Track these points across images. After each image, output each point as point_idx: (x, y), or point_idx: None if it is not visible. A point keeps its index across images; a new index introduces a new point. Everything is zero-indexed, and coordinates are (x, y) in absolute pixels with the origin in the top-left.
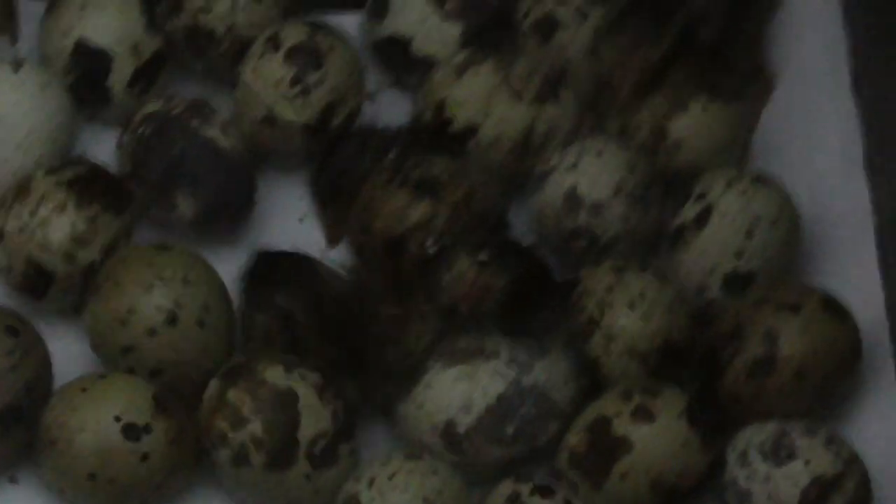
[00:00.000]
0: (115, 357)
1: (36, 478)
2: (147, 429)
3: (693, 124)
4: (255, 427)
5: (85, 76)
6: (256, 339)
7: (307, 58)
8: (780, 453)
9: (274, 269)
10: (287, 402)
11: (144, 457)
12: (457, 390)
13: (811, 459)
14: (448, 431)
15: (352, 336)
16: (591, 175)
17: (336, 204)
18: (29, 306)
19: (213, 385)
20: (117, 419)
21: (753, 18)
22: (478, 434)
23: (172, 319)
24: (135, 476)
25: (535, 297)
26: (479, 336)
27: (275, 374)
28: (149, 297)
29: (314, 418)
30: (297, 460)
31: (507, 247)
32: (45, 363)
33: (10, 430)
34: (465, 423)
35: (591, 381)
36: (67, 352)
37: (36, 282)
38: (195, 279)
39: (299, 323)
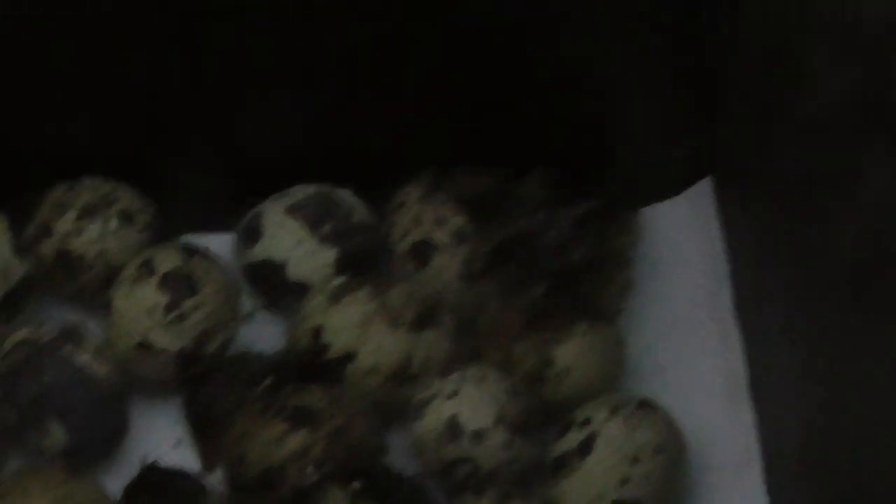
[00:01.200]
0: None
1: None
2: None
3: (578, 350)
4: None
5: None
6: None
7: (182, 284)
8: None
9: (160, 482)
10: None
11: None
12: None
13: None
14: None
15: None
16: (471, 403)
17: (210, 431)
18: None
19: None
20: None
21: (619, 240)
22: None
23: None
24: None
25: None
26: None
27: None
28: None
29: None
30: None
31: (384, 475)
32: None
33: None
34: None
35: None
36: None
37: None
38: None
39: None
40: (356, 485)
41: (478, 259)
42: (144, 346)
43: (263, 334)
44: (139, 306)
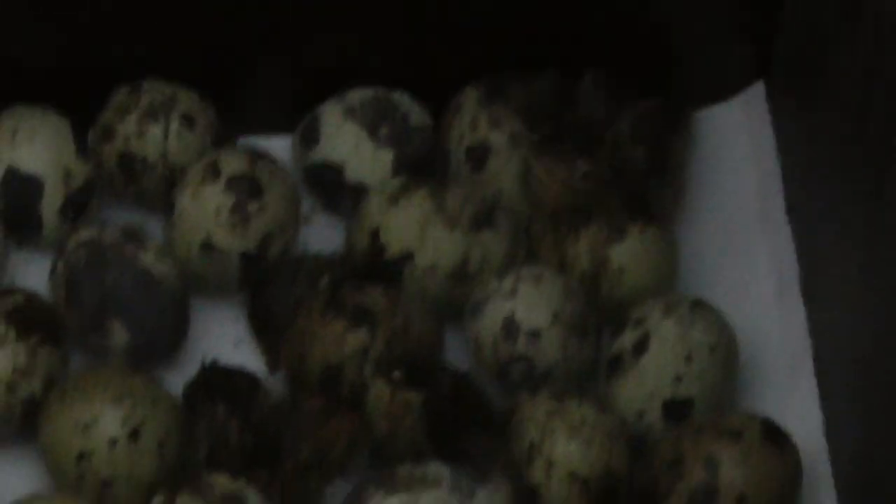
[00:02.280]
0: (66, 464)
1: None
2: None
3: (633, 250)
4: None
5: (15, 203)
6: (200, 455)
7: (247, 186)
8: None
9: (220, 382)
10: (237, 501)
11: None
12: None
13: None
14: None
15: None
16: (528, 302)
17: (272, 331)
18: None
19: (159, 497)
20: None
21: (676, 142)
22: None
23: (135, 435)
24: None
25: (472, 423)
26: (420, 464)
27: (221, 480)
28: (117, 409)
29: None
30: None
31: (427, 366)
32: None
33: None
34: None
35: None
36: (5, 484)
37: None
38: (162, 402)
39: (237, 438)
40: (397, 374)
41: (537, 144)
42: (208, 248)
43: (322, 236)
44: (204, 208)
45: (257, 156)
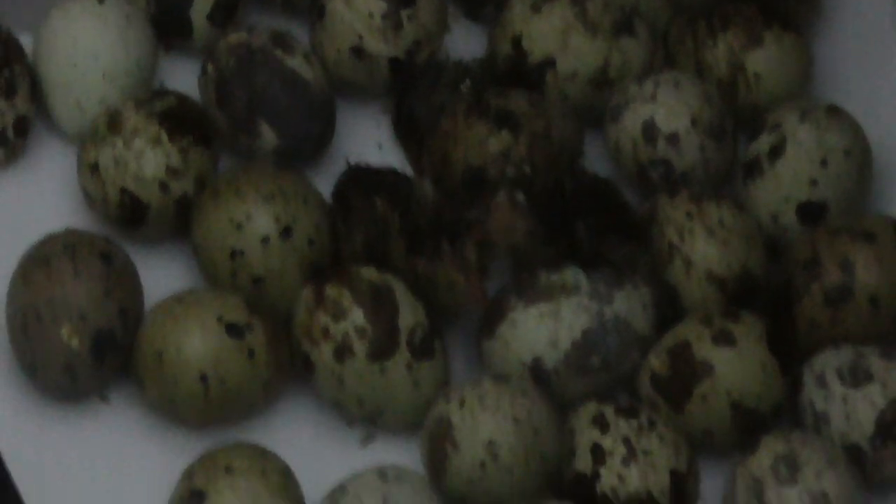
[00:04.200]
0: (220, 261)
1: (127, 396)
2: (249, 327)
3: (768, 57)
4: (357, 316)
5: (167, 8)
6: (352, 249)
7: None
8: (857, 376)
9: (372, 179)
10: (384, 292)
11: (251, 353)
12: (542, 328)
13: (888, 382)
14: (536, 367)
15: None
16: (668, 106)
17: (417, 134)
18: (122, 236)
19: (308, 288)
20: (219, 320)
21: None
22: (565, 368)
23: (287, 232)
24: (243, 373)
25: (612, 225)
26: (558, 270)
27: (369, 272)
28: (269, 207)
29: (410, 309)
30: (399, 348)
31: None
32: (137, 290)
33: (105, 355)
34: (552, 359)
35: (671, 308)
36: (158, 281)
37: (131, 212)
38: (311, 200)
39: (397, 228)
40: (519, 196)
41: None
42: (358, 52)
43: (464, 44)
44: (357, 12)
45: None
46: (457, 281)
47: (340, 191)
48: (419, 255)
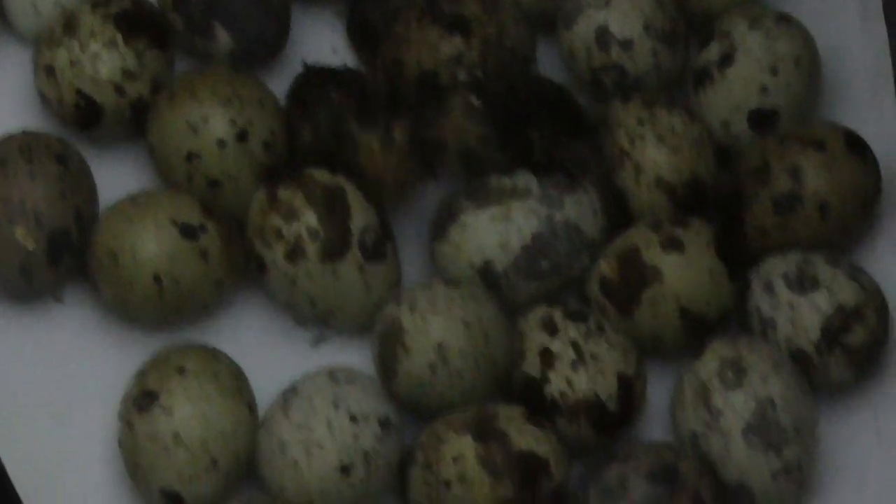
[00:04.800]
0: (175, 164)
1: (82, 297)
2: (203, 228)
3: None
4: (310, 218)
5: None
6: (307, 146)
7: None
8: (804, 283)
9: (328, 76)
10: (337, 194)
11: (204, 254)
12: (493, 231)
13: (834, 289)
14: (486, 271)
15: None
16: (621, 12)
17: (370, 38)
18: (77, 138)
19: (261, 190)
20: (173, 222)
21: None
22: (515, 272)
23: (243, 135)
24: (197, 274)
25: (565, 130)
26: (509, 173)
27: (322, 174)
28: (225, 110)
29: (362, 211)
30: (350, 250)
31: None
32: (92, 191)
33: (60, 256)
34: (502, 262)
35: (621, 213)
36: (113, 183)
37: (87, 114)
38: (267, 103)
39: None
40: (475, 101)
41: None
42: None
43: None
44: None
45: None
46: (374, 151)
47: (297, 89)
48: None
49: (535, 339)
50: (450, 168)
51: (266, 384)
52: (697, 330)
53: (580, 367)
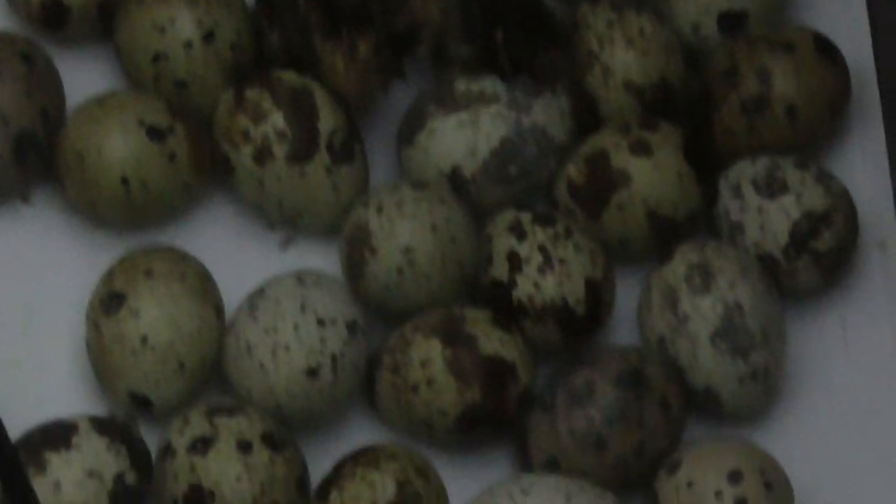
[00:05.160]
0: (142, 65)
1: (49, 198)
2: (171, 130)
3: None
4: (277, 119)
5: None
6: (274, 48)
7: None
8: (772, 186)
9: None
10: (305, 96)
11: (172, 156)
12: (461, 136)
13: (802, 193)
14: (454, 176)
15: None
16: None
17: None
18: (44, 38)
19: (228, 92)
20: (140, 123)
21: None
22: (483, 176)
23: (210, 36)
24: (164, 176)
25: (535, 33)
26: (477, 78)
27: (289, 76)
28: (192, 12)
29: (331, 113)
30: (318, 151)
31: None
32: (58, 91)
33: (26, 156)
34: (470, 167)
35: (589, 117)
36: (80, 83)
37: (53, 14)
38: (234, 4)
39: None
40: None
41: None
42: None
43: None
44: None
45: None
46: (337, 66)
47: None
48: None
49: (503, 242)
50: (419, 59)
51: (233, 286)
52: (665, 234)
53: (548, 271)
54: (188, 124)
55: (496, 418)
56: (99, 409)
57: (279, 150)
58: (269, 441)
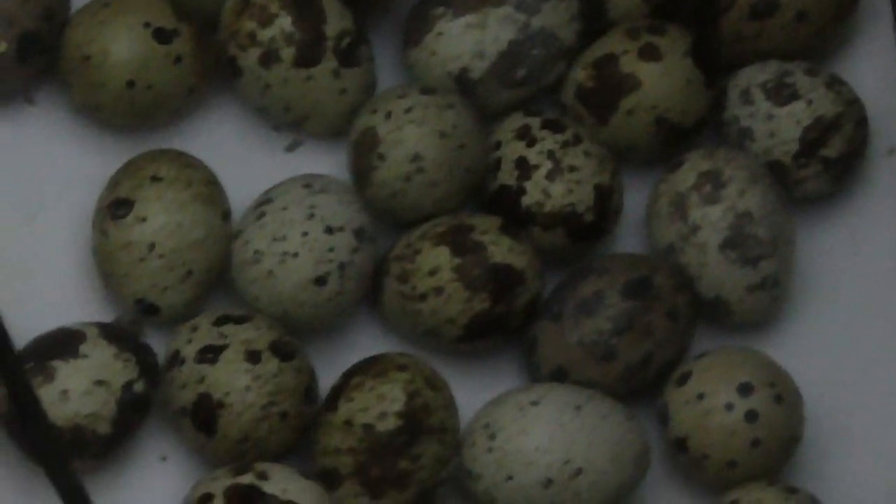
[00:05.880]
0: None
1: (53, 99)
2: (176, 32)
3: None
4: (284, 22)
5: None
6: None
7: None
8: (782, 92)
9: None
10: None
11: (177, 59)
12: (469, 38)
13: (813, 99)
14: (462, 77)
15: None
16: None
17: None
18: None
19: None
20: (146, 25)
21: None
22: (491, 79)
23: None
24: (170, 79)
25: None
26: None
27: None
28: None
29: (338, 16)
30: (325, 55)
31: None
32: None
33: (30, 56)
34: (478, 69)
35: (597, 19)
36: None
37: None
38: None
39: None
40: None
41: None
42: None
43: None
44: None
45: None
46: None
47: None
48: None
49: (512, 147)
50: None
51: (241, 191)
52: (674, 139)
53: (557, 177)
54: (194, 26)
55: (504, 327)
56: (104, 315)
57: (286, 54)
58: (278, 350)
